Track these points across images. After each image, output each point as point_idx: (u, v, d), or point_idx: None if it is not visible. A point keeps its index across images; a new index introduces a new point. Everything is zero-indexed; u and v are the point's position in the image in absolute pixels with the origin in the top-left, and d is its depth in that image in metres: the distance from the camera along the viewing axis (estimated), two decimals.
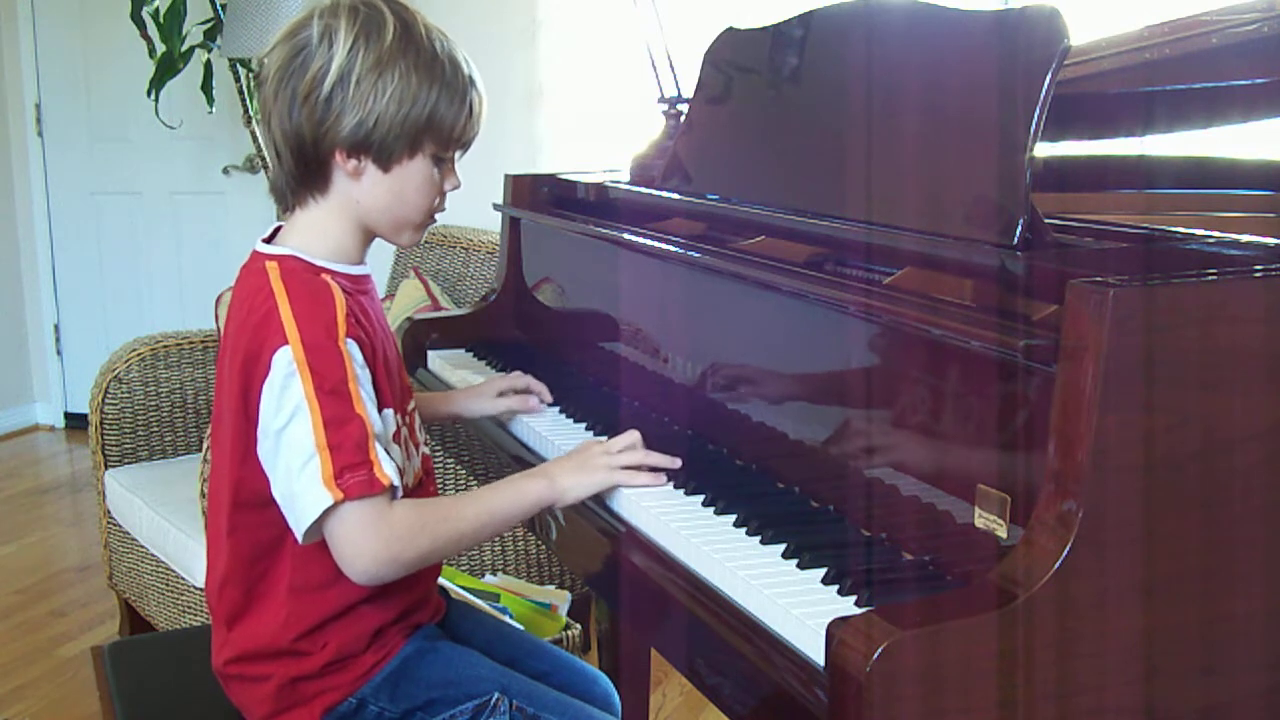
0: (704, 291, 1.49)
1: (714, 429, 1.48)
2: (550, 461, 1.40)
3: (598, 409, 1.60)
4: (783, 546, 1.15)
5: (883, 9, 1.40)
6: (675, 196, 1.70)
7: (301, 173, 1.27)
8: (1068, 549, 0.91)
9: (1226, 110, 1.39)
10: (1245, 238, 1.17)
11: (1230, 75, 1.36)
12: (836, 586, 1.06)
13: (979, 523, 1.05)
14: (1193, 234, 1.19)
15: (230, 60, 3.57)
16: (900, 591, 1.06)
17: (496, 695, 1.33)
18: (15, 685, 2.71)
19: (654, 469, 1.34)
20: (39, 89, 4.63)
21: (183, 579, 2.49)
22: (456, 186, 1.35)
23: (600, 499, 1.35)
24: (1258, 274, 1.03)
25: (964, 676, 0.90)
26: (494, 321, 2.06)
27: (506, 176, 2.09)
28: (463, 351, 2.01)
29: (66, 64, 4.56)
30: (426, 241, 3.22)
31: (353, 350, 1.22)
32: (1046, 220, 1.15)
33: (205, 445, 2.29)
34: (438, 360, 1.97)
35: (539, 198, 2.04)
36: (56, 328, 4.78)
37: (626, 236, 1.65)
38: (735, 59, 1.69)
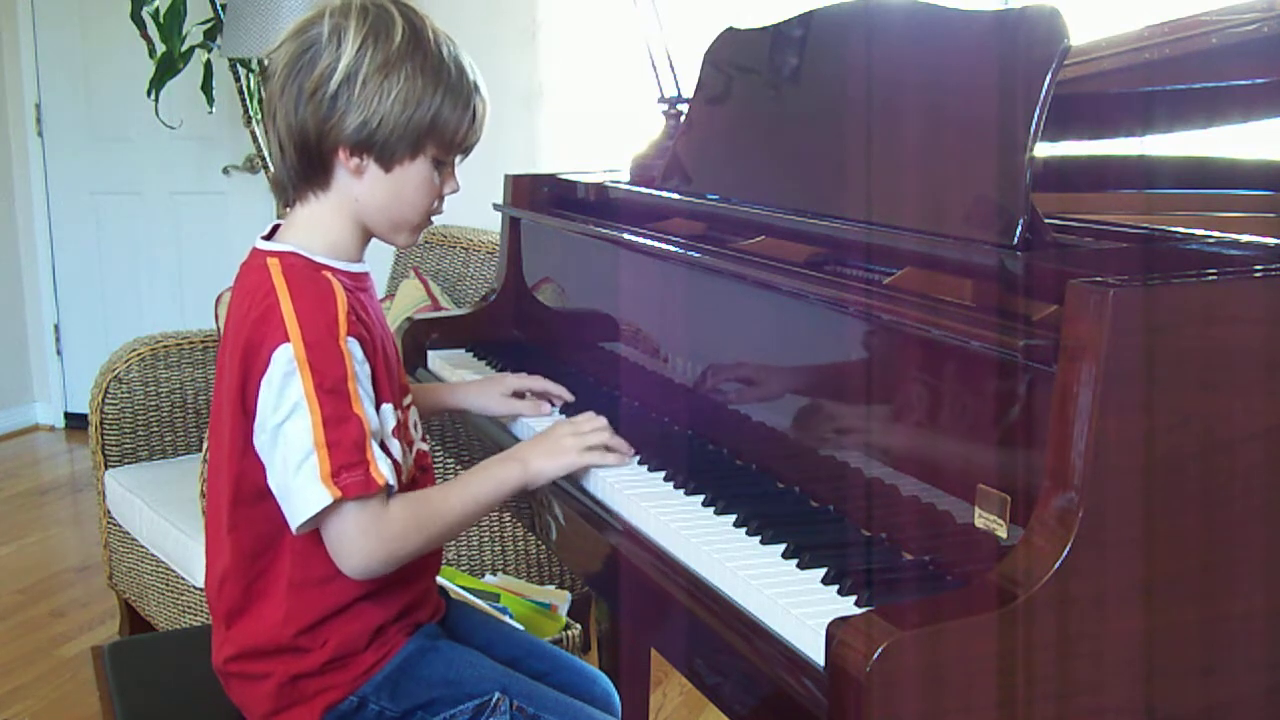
0: (704, 291, 1.49)
1: (714, 429, 1.48)
2: (521, 444, 1.41)
3: (598, 409, 1.60)
4: (783, 546, 1.15)
5: (883, 9, 1.40)
6: (675, 196, 1.70)
7: (304, 168, 1.28)
8: (1068, 549, 0.91)
9: (1226, 110, 1.39)
10: (1245, 238, 1.17)
11: (1230, 75, 1.36)
12: (836, 586, 1.06)
13: (979, 523, 1.05)
14: (1193, 234, 1.19)
15: (230, 60, 3.57)
16: (900, 591, 1.06)
17: (497, 695, 1.33)
18: (15, 685, 2.71)
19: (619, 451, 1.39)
20: (39, 89, 4.63)
21: (183, 579, 2.49)
22: (455, 190, 1.36)
23: (600, 500, 1.35)
24: (1258, 274, 1.03)
25: (964, 676, 0.90)
26: (494, 321, 2.06)
27: (506, 176, 2.09)
28: (463, 351, 2.01)
29: (66, 64, 4.56)
30: (426, 241, 3.22)
31: (353, 348, 1.23)
32: (1046, 220, 1.15)
33: (205, 445, 2.29)
34: (438, 360, 1.97)
35: (539, 198, 2.04)
36: (56, 328, 4.79)
37: (626, 236, 1.65)
38: (735, 59, 1.69)
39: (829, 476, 1.26)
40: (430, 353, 2.00)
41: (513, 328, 2.06)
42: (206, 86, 3.81)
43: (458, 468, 2.49)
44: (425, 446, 1.43)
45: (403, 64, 1.24)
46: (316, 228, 1.31)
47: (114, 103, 4.47)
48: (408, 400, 1.41)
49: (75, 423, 4.75)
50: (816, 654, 0.95)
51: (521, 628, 1.78)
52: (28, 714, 2.59)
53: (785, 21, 1.56)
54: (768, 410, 1.38)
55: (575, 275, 1.91)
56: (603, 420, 1.41)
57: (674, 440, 1.49)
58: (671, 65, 2.00)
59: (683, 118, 1.79)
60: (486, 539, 2.62)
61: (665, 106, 2.00)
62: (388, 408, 1.29)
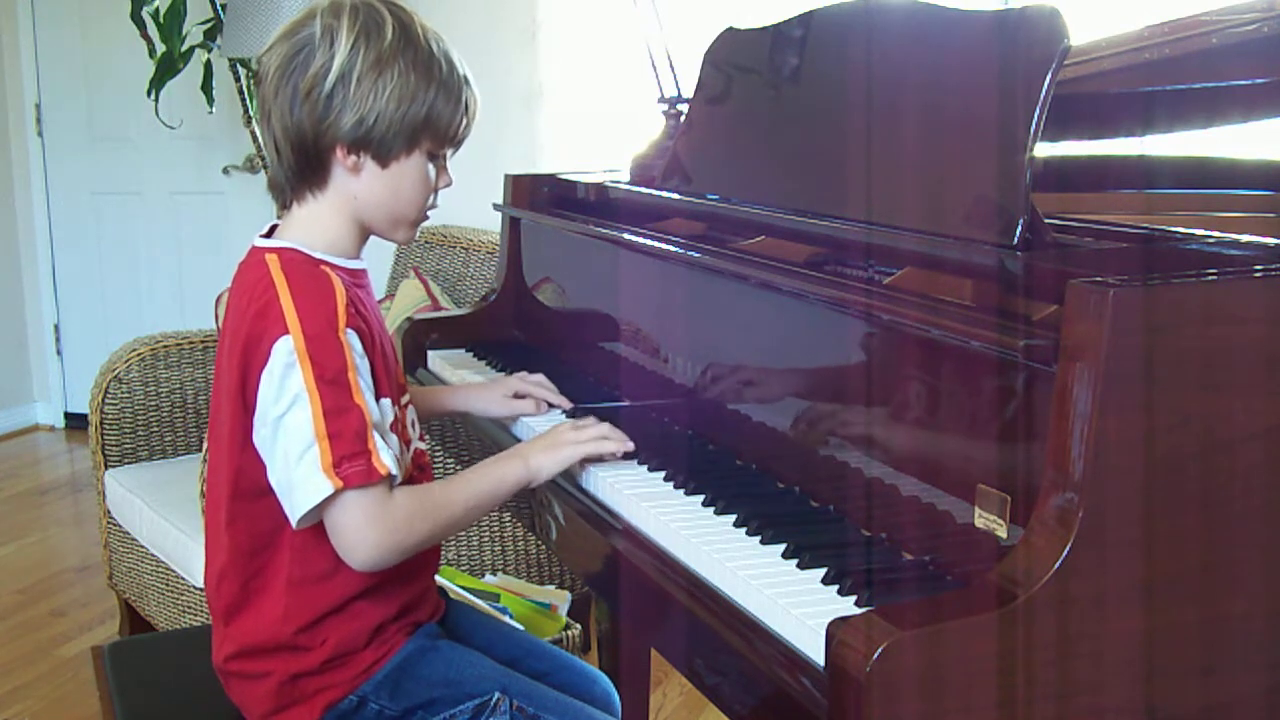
0: (704, 291, 1.49)
1: (714, 429, 1.48)
2: (523, 443, 1.42)
3: (598, 409, 1.60)
4: (783, 546, 1.15)
5: (883, 9, 1.40)
6: (675, 196, 1.70)
7: (301, 168, 1.29)
8: (1068, 549, 0.91)
9: (1226, 110, 1.39)
10: (1245, 238, 1.17)
11: (1230, 75, 1.36)
12: (836, 586, 1.06)
13: (979, 523, 1.05)
14: (1193, 234, 1.19)
15: (230, 60, 3.57)
16: (900, 591, 1.06)
17: (497, 695, 1.33)
18: (15, 685, 2.71)
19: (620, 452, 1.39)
20: (39, 89, 4.63)
21: (183, 579, 2.49)
22: (449, 184, 1.37)
23: (600, 500, 1.35)
24: (1258, 274, 1.03)
25: (964, 676, 0.90)
26: (494, 321, 2.06)
27: (506, 176, 2.09)
28: (463, 351, 2.01)
29: (66, 64, 4.56)
30: (426, 241, 3.22)
31: (352, 340, 1.23)
32: (1046, 220, 1.15)
33: (205, 445, 2.29)
34: (438, 360, 1.97)
35: (539, 198, 2.04)
36: (56, 328, 4.79)
37: (626, 236, 1.65)
38: (735, 59, 1.69)
39: (829, 476, 1.26)
40: (430, 353, 2.00)
41: (513, 328, 2.06)
42: (206, 86, 3.81)
43: (458, 467, 2.49)
44: (423, 445, 1.43)
45: (395, 61, 1.26)
46: (315, 226, 1.32)
47: (114, 103, 4.47)
48: (405, 399, 1.41)
49: (75, 423, 4.75)
50: (816, 654, 0.95)
51: (521, 628, 1.78)
52: (28, 714, 2.59)
53: (785, 21, 1.56)
54: (768, 410, 1.38)
55: (575, 275, 1.91)
56: (607, 426, 1.41)
57: (674, 440, 1.49)
58: (671, 65, 2.00)
59: (683, 118, 1.79)
60: (486, 539, 2.62)
61: (665, 106, 2.00)
62: (386, 402, 1.29)
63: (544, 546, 2.66)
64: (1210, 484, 0.97)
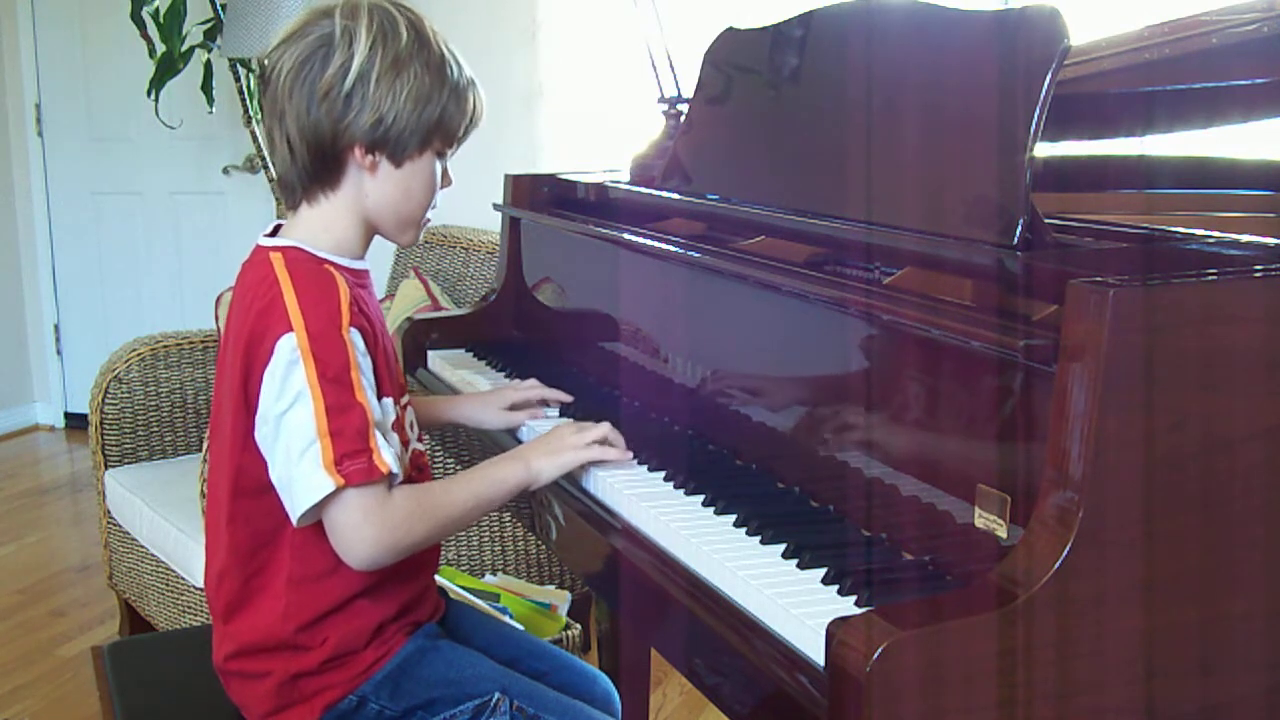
0: (704, 292, 1.49)
1: (714, 429, 1.48)
2: (524, 445, 1.42)
3: (598, 410, 1.60)
4: (783, 546, 1.15)
5: (883, 9, 1.40)
6: (675, 196, 1.70)
7: (317, 168, 1.30)
8: (1068, 549, 0.91)
9: (1226, 110, 1.39)
10: (1245, 238, 1.17)
11: (1230, 75, 1.36)
12: (836, 586, 1.06)
13: (979, 523, 1.05)
14: (1193, 234, 1.19)
15: (230, 60, 3.57)
16: (900, 591, 1.06)
17: (497, 695, 1.33)
18: (15, 685, 2.71)
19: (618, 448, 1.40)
20: (39, 89, 4.63)
21: (183, 579, 2.49)
22: (449, 184, 1.39)
23: (600, 500, 1.35)
24: (1258, 274, 1.03)
25: (964, 676, 0.90)
26: (494, 321, 2.06)
27: (506, 176, 2.09)
28: (463, 351, 2.01)
29: (66, 64, 4.56)
30: (426, 241, 3.22)
31: (355, 339, 1.24)
32: (1046, 220, 1.15)
33: (205, 445, 2.29)
34: (438, 360, 1.97)
35: (539, 198, 2.04)
36: (56, 328, 4.78)
37: (626, 236, 1.65)
38: (735, 59, 1.69)
39: (829, 476, 1.26)
40: (430, 353, 2.00)
41: (513, 328, 2.06)
42: (206, 86, 3.81)
43: (457, 467, 2.49)
44: (422, 446, 1.43)
45: (412, 62, 1.28)
46: (322, 226, 1.32)
47: (114, 103, 4.47)
48: (405, 399, 1.41)
49: (75, 423, 4.75)
50: (816, 654, 0.95)
51: (521, 628, 1.78)
52: (28, 714, 2.59)
53: (785, 21, 1.56)
54: (768, 410, 1.38)
55: (575, 275, 1.91)
56: (607, 425, 1.42)
57: (674, 440, 1.49)
58: (671, 65, 2.00)
59: (683, 118, 1.79)
60: (486, 539, 2.62)
61: (665, 106, 2.00)
62: (388, 401, 1.30)
63: (544, 546, 2.66)
64: (1210, 484, 0.97)
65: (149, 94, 3.79)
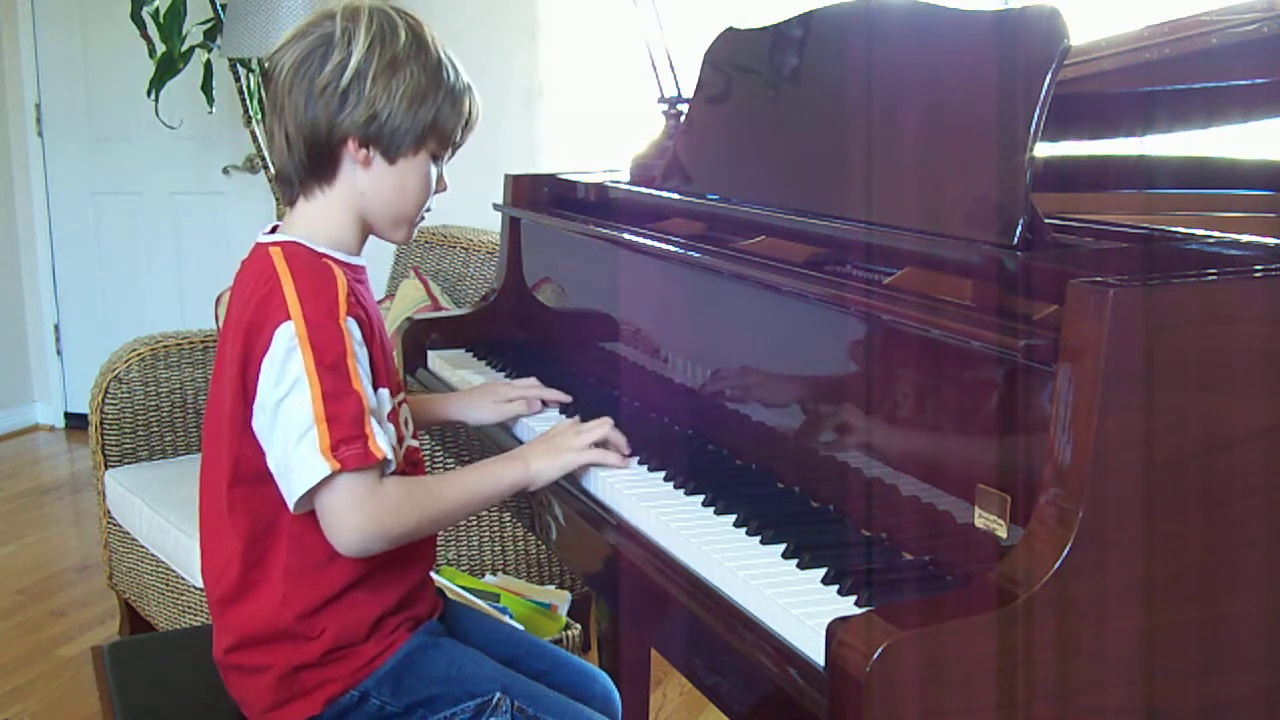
0: (704, 291, 1.49)
1: (714, 429, 1.48)
2: (525, 445, 1.44)
3: (598, 409, 1.60)
4: (783, 546, 1.15)
5: (883, 9, 1.40)
6: (675, 196, 1.70)
7: (312, 162, 1.33)
8: (1068, 549, 0.91)
9: (1226, 110, 1.39)
10: (1245, 238, 1.17)
11: (1230, 75, 1.36)
12: (836, 586, 1.06)
13: (979, 523, 1.05)
14: (1193, 234, 1.19)
15: (230, 60, 3.57)
16: (900, 591, 1.06)
17: (498, 695, 1.34)
18: (15, 685, 2.71)
19: (620, 451, 1.41)
20: (39, 89, 4.63)
21: (183, 579, 2.49)
22: (444, 189, 1.41)
23: (600, 500, 1.35)
24: (1258, 274, 1.03)
25: (964, 676, 0.90)
26: (494, 321, 2.07)
27: (506, 176, 2.09)
28: (463, 351, 2.01)
29: (66, 64, 4.56)
30: (426, 241, 3.22)
31: (352, 328, 1.27)
32: (1046, 220, 1.15)
33: (203, 425, 2.29)
34: (438, 360, 1.97)
35: (539, 198, 2.04)
36: (56, 328, 4.79)
37: (626, 236, 1.65)
38: (735, 59, 1.69)
39: (829, 476, 1.26)
40: (430, 353, 2.00)
41: (513, 328, 2.06)
42: (206, 86, 3.80)
43: (456, 467, 2.49)
44: (415, 443, 1.43)
45: (408, 63, 1.31)
46: (319, 221, 1.35)
47: (114, 103, 4.47)
48: (401, 396, 1.42)
49: (75, 423, 4.75)
50: (816, 654, 0.95)
51: (521, 628, 1.78)
52: (28, 714, 2.59)
53: (785, 21, 1.56)
54: (768, 410, 1.38)
55: (575, 275, 1.91)
56: (604, 419, 1.43)
57: (674, 440, 1.49)
58: (671, 65, 2.00)
59: (683, 118, 1.79)
60: (486, 539, 2.62)
61: (665, 106, 2.00)
62: (384, 392, 1.32)
63: (544, 546, 2.66)
64: (1210, 484, 0.97)
65: (149, 94, 3.79)
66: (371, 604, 1.32)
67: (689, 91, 1.80)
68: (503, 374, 1.85)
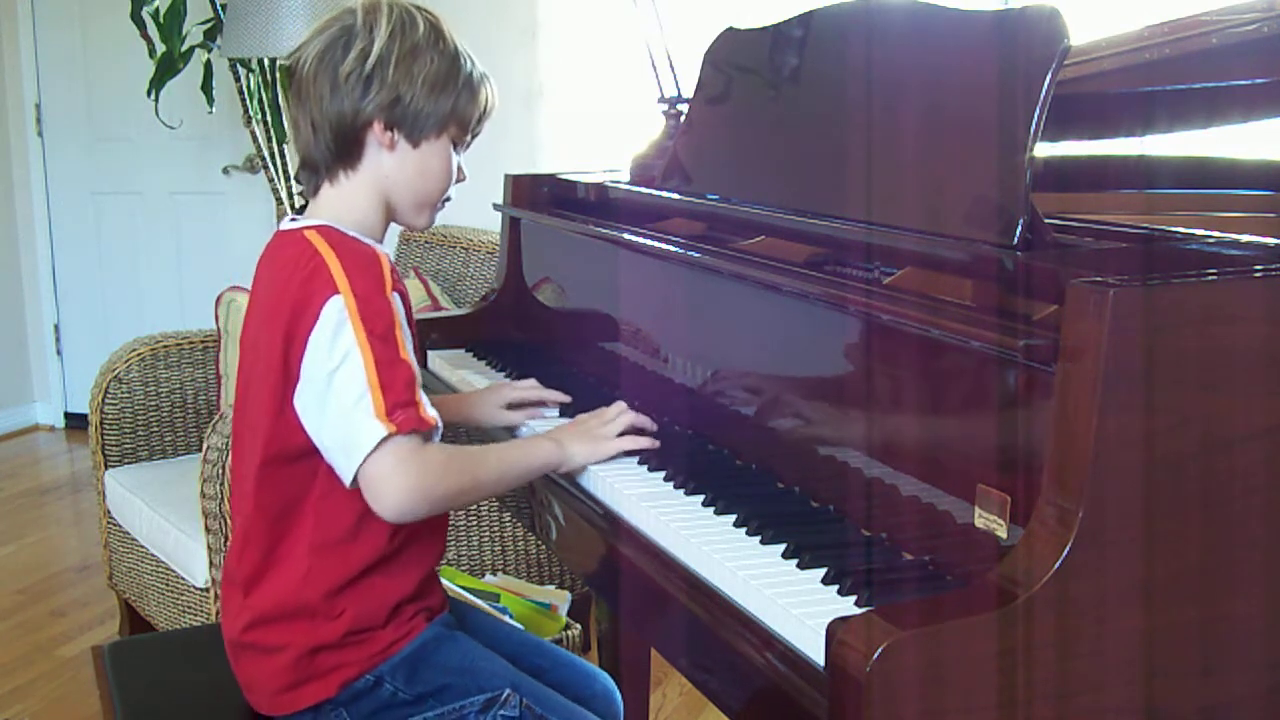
0: (704, 291, 1.49)
1: (714, 429, 1.48)
2: (558, 428, 1.48)
3: (598, 409, 1.60)
4: (783, 546, 1.15)
5: (883, 9, 1.40)
6: (675, 196, 1.70)
7: (338, 147, 1.36)
8: (1068, 549, 0.91)
9: (1226, 110, 1.39)
10: (1245, 238, 1.17)
11: (1230, 75, 1.36)
12: (836, 586, 1.06)
13: (979, 523, 1.05)
14: (1193, 234, 1.19)
15: (230, 60, 3.57)
16: (900, 591, 1.06)
17: (508, 691, 1.35)
18: (15, 685, 2.71)
19: (642, 432, 1.45)
20: (39, 89, 4.63)
21: (183, 579, 2.49)
22: (463, 179, 1.44)
23: (600, 500, 1.35)
24: (1258, 274, 1.03)
25: (964, 676, 0.90)
26: (494, 321, 2.07)
27: (506, 176, 2.09)
28: (463, 351, 2.01)
29: (66, 64, 4.56)
30: (426, 241, 3.22)
31: (397, 302, 1.30)
32: (1046, 220, 1.15)
33: (205, 445, 2.29)
34: (438, 360, 1.97)
35: (539, 198, 2.04)
36: (56, 328, 4.79)
37: (626, 236, 1.65)
38: (735, 59, 1.69)
39: (829, 476, 1.26)
40: (430, 353, 2.00)
41: (513, 328, 2.06)
42: (206, 86, 3.80)
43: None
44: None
45: (428, 51, 1.36)
46: (344, 205, 1.38)
47: (114, 103, 4.47)
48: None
49: (75, 423, 4.75)
50: (816, 654, 0.95)
51: (521, 627, 1.78)
52: (28, 714, 2.59)
53: (785, 21, 1.56)
54: (768, 410, 1.38)
55: (575, 275, 1.91)
56: (622, 404, 1.47)
57: (674, 440, 1.49)
58: (671, 65, 2.00)
59: (683, 118, 1.79)
60: (486, 539, 2.63)
61: (665, 106, 2.00)
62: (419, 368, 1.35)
63: (544, 546, 2.66)
64: (1210, 484, 0.97)
65: (149, 94, 3.79)
66: (390, 589, 1.34)
67: (689, 91, 1.80)
68: (503, 374, 1.85)
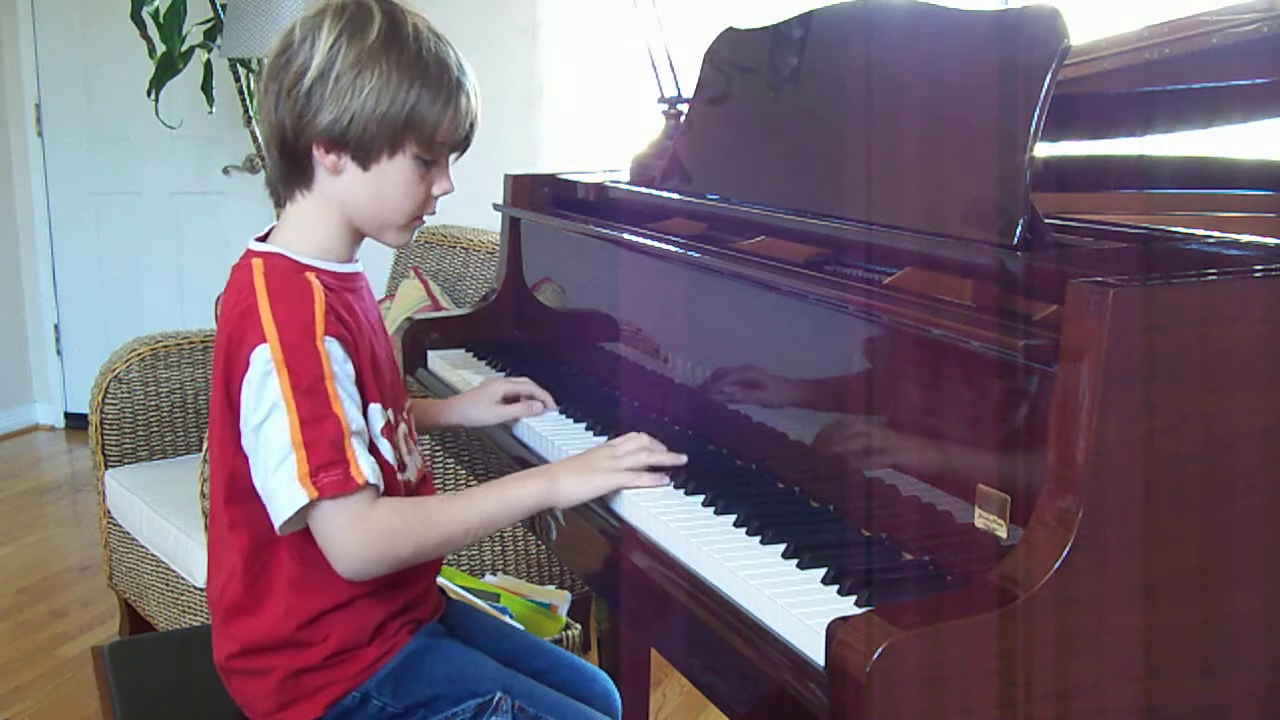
0: (704, 292, 1.49)
1: (714, 429, 1.48)
2: (554, 463, 1.40)
3: (598, 409, 1.60)
4: (783, 546, 1.15)
5: (883, 9, 1.40)
6: (675, 196, 1.70)
7: (285, 167, 1.30)
8: (1068, 549, 0.91)
9: (1226, 110, 1.39)
10: (1245, 238, 1.17)
11: (1230, 75, 1.36)
12: (836, 586, 1.06)
13: (979, 523, 1.05)
14: (1193, 234, 1.19)
15: (230, 60, 3.57)
16: (900, 591, 1.06)
17: (499, 694, 1.34)
18: (15, 685, 2.71)
19: (657, 469, 1.33)
20: (39, 89, 4.63)
21: (183, 579, 2.49)
22: (448, 191, 1.34)
23: (600, 499, 1.35)
24: (1258, 274, 1.03)
25: (964, 676, 0.90)
26: (494, 321, 2.06)
27: (506, 176, 2.09)
28: (463, 351, 2.01)
29: (66, 64, 4.56)
30: (426, 241, 3.22)
31: (331, 348, 1.22)
32: (1046, 220, 1.15)
33: (205, 445, 2.29)
34: (438, 360, 1.97)
35: (539, 198, 2.04)
36: (56, 328, 4.78)
37: (626, 236, 1.65)
38: (735, 59, 1.69)
39: (829, 476, 1.26)
40: (430, 353, 2.00)
41: (513, 328, 2.06)
42: (206, 86, 3.81)
43: (457, 468, 2.49)
44: (418, 461, 1.41)
45: (377, 60, 1.23)
46: (303, 228, 1.32)
47: (114, 103, 4.47)
48: (408, 404, 1.41)
49: (75, 423, 4.75)
50: (816, 654, 0.95)
51: (521, 627, 1.78)
52: (28, 714, 2.59)
53: (785, 21, 1.56)
54: (768, 410, 1.38)
55: (575, 275, 1.91)
56: (645, 439, 1.35)
57: (674, 440, 1.49)
58: (671, 65, 2.00)
59: (683, 118, 1.79)
60: (486, 539, 2.62)
61: (665, 106, 2.00)
62: (375, 407, 1.29)
63: (544, 546, 2.66)
64: (1210, 484, 0.97)
65: (149, 94, 3.79)
66: (377, 609, 1.32)
67: (689, 91, 1.80)
68: (503, 374, 1.85)
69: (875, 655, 0.87)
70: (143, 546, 2.65)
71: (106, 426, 2.80)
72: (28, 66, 4.60)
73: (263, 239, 1.33)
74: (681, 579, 1.16)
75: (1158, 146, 1.46)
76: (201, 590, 2.42)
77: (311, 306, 1.23)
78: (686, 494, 1.31)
